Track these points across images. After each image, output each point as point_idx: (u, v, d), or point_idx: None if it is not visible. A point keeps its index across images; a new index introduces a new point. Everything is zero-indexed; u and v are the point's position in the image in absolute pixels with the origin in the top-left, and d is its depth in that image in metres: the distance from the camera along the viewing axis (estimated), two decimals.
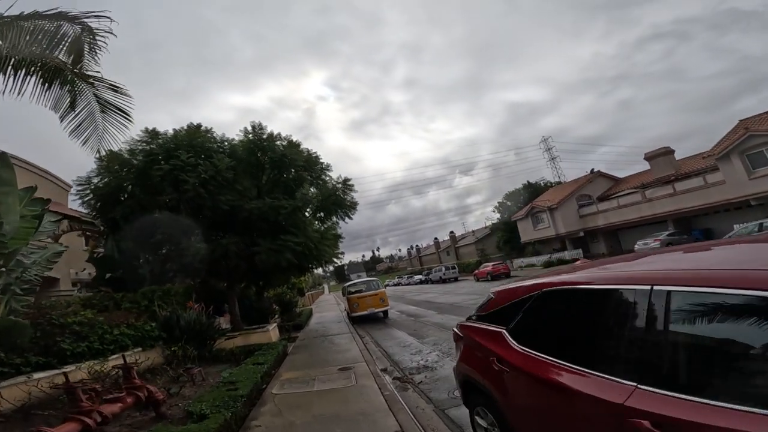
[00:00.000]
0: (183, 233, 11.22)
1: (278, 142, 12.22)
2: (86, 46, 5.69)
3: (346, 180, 13.17)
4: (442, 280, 39.50)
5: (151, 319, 8.42)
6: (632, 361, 1.73)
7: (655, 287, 1.70)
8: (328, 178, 13.16)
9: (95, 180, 10.53)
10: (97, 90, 6.45)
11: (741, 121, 24.24)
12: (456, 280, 38.95)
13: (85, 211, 11.20)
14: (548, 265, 31.68)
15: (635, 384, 1.63)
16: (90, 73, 6.38)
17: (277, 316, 16.35)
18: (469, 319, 3.45)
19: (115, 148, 6.63)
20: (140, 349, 7.52)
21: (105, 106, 6.49)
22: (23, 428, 4.10)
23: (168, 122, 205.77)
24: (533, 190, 46.97)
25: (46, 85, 5.97)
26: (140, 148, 10.56)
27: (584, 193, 36.22)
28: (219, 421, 3.92)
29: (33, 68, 5.33)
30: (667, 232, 26.05)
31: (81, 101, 6.23)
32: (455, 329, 3.61)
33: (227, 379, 5.65)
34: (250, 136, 12.05)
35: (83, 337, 6.04)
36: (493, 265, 31.02)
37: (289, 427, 4.39)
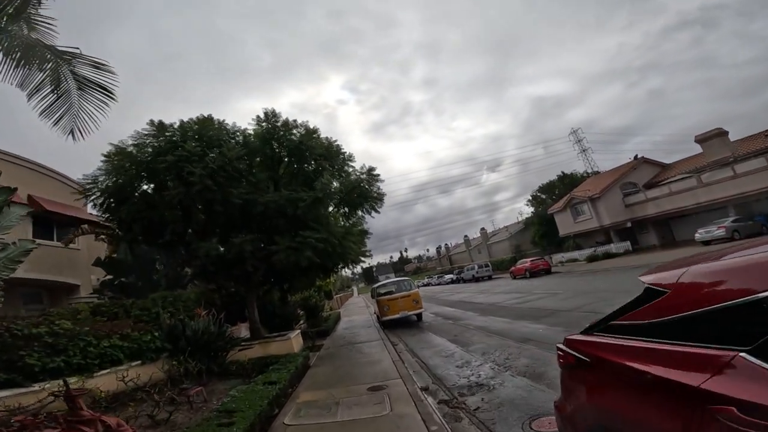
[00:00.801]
0: (194, 232, 10.31)
1: (294, 131, 11.08)
2: None
3: (371, 169, 11.88)
4: (475, 279, 37.50)
5: (160, 328, 7.44)
6: None
7: None
8: (351, 169, 11.92)
9: (102, 178, 9.72)
10: (74, 66, 5.65)
11: None
12: (490, 278, 36.87)
13: (95, 212, 10.47)
14: (593, 259, 29.21)
15: None
16: (65, 48, 5.61)
17: (302, 321, 15.26)
18: (594, 329, 2.02)
19: (93, 129, 5.61)
20: (139, 362, 6.51)
21: (83, 83, 5.65)
22: None
23: None
24: (569, 181, 44.22)
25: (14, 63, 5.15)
26: (147, 142, 9.68)
27: (629, 181, 33.33)
28: None
29: None
30: (731, 218, 23.29)
31: (49, 76, 5.28)
32: (563, 347, 2.19)
33: (225, 406, 4.42)
34: (264, 124, 10.95)
35: (59, 351, 5.04)
36: (531, 261, 28.83)
37: None
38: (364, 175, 11.74)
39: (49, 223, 14.35)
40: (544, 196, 46.27)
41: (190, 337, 6.89)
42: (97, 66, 5.68)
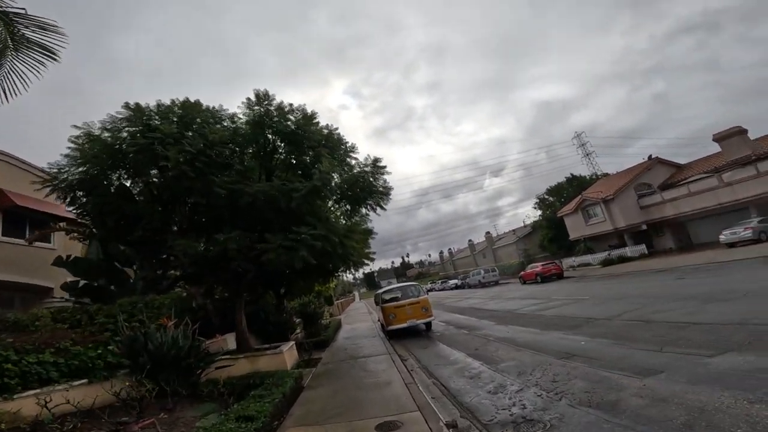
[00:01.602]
0: (178, 229, 9.01)
1: (290, 115, 9.75)
2: None
3: (376, 160, 10.49)
4: (482, 285, 36.01)
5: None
6: None
7: None
8: (354, 161, 10.55)
9: (70, 168, 8.42)
10: (13, 27, 4.75)
11: None
12: (497, 283, 35.39)
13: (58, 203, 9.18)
14: (607, 263, 27.75)
15: None
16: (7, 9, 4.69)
17: (298, 331, 13.87)
18: None
19: (23, 91, 4.48)
20: (85, 381, 5.19)
21: (21, 42, 4.82)
22: None
23: None
24: (578, 183, 42.81)
25: None
26: (122, 126, 8.40)
27: (643, 182, 31.95)
28: None
29: None
30: (758, 219, 21.93)
31: None
32: None
33: None
34: (256, 108, 9.57)
35: None
36: (543, 265, 27.36)
37: None
38: (369, 167, 10.40)
39: (22, 220, 13.11)
40: (552, 199, 44.87)
41: (153, 352, 5.56)
42: (44, 27, 4.86)
